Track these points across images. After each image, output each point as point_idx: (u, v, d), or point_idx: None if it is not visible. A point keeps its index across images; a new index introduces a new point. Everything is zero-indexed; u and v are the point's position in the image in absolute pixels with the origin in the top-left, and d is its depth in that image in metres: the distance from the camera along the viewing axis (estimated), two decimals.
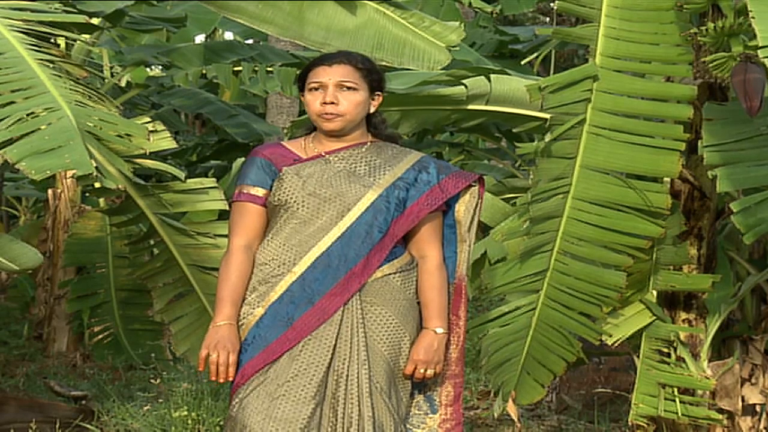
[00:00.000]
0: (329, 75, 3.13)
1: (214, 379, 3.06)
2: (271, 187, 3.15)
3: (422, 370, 3.12)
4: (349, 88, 3.13)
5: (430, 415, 3.23)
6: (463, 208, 3.24)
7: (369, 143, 3.22)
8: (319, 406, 3.03)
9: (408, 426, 3.20)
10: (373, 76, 3.19)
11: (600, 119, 3.76)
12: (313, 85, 3.15)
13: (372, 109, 3.21)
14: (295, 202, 3.11)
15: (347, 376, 3.05)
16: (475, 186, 3.25)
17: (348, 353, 3.06)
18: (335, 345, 3.06)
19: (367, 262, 3.09)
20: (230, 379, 3.07)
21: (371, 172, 3.16)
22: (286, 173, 3.14)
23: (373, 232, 3.10)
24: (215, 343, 3.06)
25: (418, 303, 3.18)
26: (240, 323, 3.11)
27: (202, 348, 3.08)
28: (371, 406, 3.04)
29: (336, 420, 3.03)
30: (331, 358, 3.06)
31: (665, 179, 3.87)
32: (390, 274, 3.13)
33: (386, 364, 3.10)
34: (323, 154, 3.18)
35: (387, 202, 3.12)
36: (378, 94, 3.21)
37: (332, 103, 3.11)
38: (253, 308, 3.10)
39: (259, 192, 3.16)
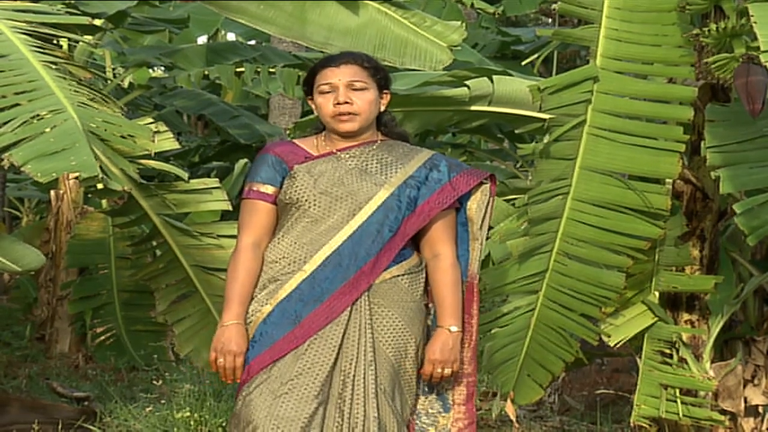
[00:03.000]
0: (338, 75, 3.13)
1: (223, 380, 3.12)
2: (281, 184, 3.15)
3: (439, 370, 3.11)
4: (359, 87, 3.13)
5: (443, 414, 3.22)
6: (474, 206, 3.22)
7: (379, 141, 3.21)
8: (323, 405, 3.03)
9: (420, 425, 3.20)
10: (380, 74, 3.19)
11: (600, 120, 3.76)
12: (323, 87, 3.14)
13: (382, 108, 3.21)
14: (306, 200, 3.11)
15: (354, 376, 3.05)
16: (486, 183, 3.22)
17: (355, 354, 3.06)
18: (341, 345, 3.06)
19: (377, 261, 3.08)
20: (238, 380, 3.10)
21: (382, 169, 3.15)
22: (297, 171, 3.14)
23: (383, 231, 3.09)
24: (221, 346, 3.08)
25: (426, 305, 3.18)
26: (248, 320, 3.12)
27: (210, 350, 3.11)
28: (377, 407, 3.04)
29: (342, 420, 3.03)
30: (337, 358, 3.06)
31: (666, 180, 3.87)
32: (398, 275, 3.12)
33: (391, 366, 3.09)
34: (335, 151, 3.17)
35: (398, 200, 3.11)
36: (386, 92, 3.21)
37: (346, 102, 3.11)
38: (262, 305, 3.10)
39: (269, 189, 3.16)
